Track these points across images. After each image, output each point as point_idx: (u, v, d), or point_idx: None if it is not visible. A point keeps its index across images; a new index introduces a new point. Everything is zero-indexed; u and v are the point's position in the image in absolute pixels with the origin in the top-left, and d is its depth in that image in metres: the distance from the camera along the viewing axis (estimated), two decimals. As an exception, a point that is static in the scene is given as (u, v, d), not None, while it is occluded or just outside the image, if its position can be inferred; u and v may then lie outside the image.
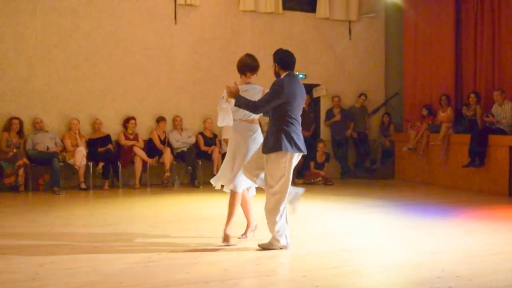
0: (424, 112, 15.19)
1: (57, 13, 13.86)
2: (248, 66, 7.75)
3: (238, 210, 7.60)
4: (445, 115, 14.43)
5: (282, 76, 7.24)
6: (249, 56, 7.92)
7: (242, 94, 7.21)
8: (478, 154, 13.03)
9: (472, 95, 13.71)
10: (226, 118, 7.40)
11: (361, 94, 16.60)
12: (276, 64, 7.40)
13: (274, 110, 7.07)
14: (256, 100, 7.14)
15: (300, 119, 7.17)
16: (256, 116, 7.52)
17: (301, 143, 7.06)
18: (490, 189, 12.92)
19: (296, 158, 7.14)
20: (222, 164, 7.65)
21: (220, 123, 7.51)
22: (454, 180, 14.05)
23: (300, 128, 7.15)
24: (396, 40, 17.00)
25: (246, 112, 7.36)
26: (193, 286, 5.44)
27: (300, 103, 7.17)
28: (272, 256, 6.66)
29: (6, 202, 11.37)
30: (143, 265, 6.16)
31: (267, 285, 5.54)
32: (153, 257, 6.53)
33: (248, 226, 7.86)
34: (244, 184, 7.50)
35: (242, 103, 7.05)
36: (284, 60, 7.37)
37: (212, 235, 7.89)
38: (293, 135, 6.99)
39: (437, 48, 15.45)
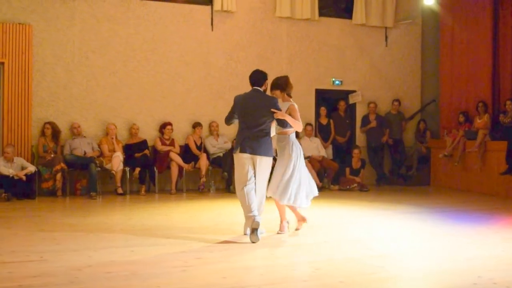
0: (461, 118, 15.08)
1: (95, 20, 14.02)
2: (279, 85, 8.68)
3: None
4: (482, 121, 14.31)
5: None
6: (280, 77, 8.83)
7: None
8: (515, 162, 12.92)
9: (508, 102, 13.59)
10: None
11: (394, 100, 16.53)
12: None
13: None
14: None
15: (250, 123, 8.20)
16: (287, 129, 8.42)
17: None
18: (528, 197, 12.81)
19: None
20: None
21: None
22: (491, 188, 13.92)
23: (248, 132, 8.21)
24: (433, 46, 16.89)
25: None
26: (229, 291, 5.47)
27: (250, 113, 8.19)
28: (308, 261, 6.67)
29: (44, 207, 11.50)
30: (180, 269, 6.19)
31: (303, 290, 5.56)
32: (190, 262, 6.57)
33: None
34: None
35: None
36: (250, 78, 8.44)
37: (248, 240, 7.92)
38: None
39: (474, 54, 15.33)
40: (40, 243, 7.62)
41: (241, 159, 8.17)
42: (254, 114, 8.19)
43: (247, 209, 8.05)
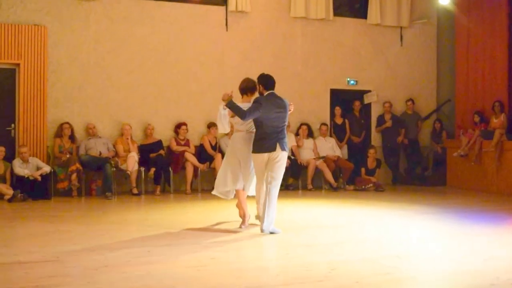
0: (476, 118, 14.99)
1: (110, 21, 14.05)
2: (249, 88, 9.20)
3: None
4: (498, 121, 14.24)
5: (269, 93, 8.82)
6: (249, 80, 9.32)
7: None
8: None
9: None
10: (225, 125, 9.26)
11: (408, 100, 16.47)
12: (261, 85, 8.93)
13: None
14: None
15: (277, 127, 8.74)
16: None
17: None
18: (545, 197, 12.72)
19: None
20: (226, 170, 9.20)
21: (220, 131, 9.55)
22: (508, 187, 13.84)
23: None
24: (448, 46, 16.81)
25: (252, 125, 8.88)
26: (245, 291, 5.46)
27: (275, 116, 8.71)
28: (324, 262, 6.63)
29: (60, 207, 11.55)
30: (195, 269, 6.19)
31: (319, 291, 5.54)
32: (205, 262, 6.56)
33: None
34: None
35: (234, 108, 8.53)
36: (266, 82, 8.92)
37: (263, 240, 7.93)
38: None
39: (490, 54, 15.25)
40: (56, 243, 7.64)
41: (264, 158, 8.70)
42: (277, 117, 8.72)
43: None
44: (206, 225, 9.25)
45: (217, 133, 14.42)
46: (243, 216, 9.12)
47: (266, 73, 9.09)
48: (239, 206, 9.19)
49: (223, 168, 9.25)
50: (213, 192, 9.43)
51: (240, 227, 9.00)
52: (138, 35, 14.30)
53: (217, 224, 9.47)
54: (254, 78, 9.43)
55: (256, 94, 9.07)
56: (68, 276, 5.89)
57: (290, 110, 8.95)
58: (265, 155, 8.60)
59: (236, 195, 9.21)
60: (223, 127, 9.36)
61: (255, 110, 8.53)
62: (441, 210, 11.30)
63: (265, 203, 8.51)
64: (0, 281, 5.66)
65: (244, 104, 8.93)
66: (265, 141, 8.63)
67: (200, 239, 8.03)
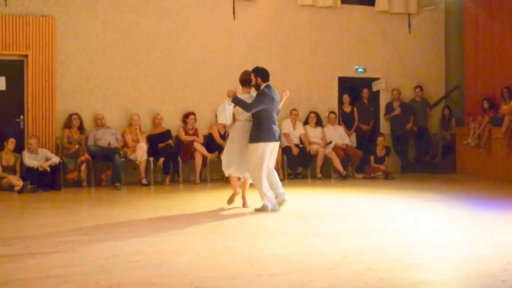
0: (485, 105, 14.93)
1: (118, 11, 14.04)
2: (248, 80, 9.69)
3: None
4: (507, 107, 14.17)
5: (266, 85, 9.47)
6: (248, 72, 9.75)
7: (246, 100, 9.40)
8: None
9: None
10: (228, 117, 9.60)
11: (416, 87, 16.41)
12: (259, 78, 9.52)
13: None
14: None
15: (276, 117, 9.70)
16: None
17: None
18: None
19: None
20: (229, 153, 9.73)
21: (220, 121, 9.81)
22: (517, 174, 13.81)
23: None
24: (457, 32, 16.73)
25: (250, 115, 9.47)
26: (257, 279, 5.44)
27: (276, 106, 9.60)
28: (335, 250, 6.63)
29: (69, 198, 11.59)
30: (208, 258, 6.19)
31: (331, 278, 5.51)
32: (217, 250, 6.56)
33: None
34: None
35: (240, 103, 9.23)
36: (263, 74, 9.55)
37: (275, 228, 7.96)
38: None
39: (498, 40, 15.19)
40: (67, 233, 7.64)
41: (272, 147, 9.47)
42: (277, 107, 9.66)
43: (275, 186, 9.57)
44: (217, 215, 9.25)
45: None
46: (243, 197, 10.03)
47: (260, 66, 9.77)
48: (243, 187, 10.02)
49: (225, 153, 9.88)
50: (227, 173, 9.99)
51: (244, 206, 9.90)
52: (146, 25, 14.28)
53: (227, 210, 9.63)
54: (262, 65, 9.58)
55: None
56: (80, 265, 5.89)
57: (286, 95, 9.92)
58: (277, 143, 9.53)
59: (233, 180, 10.03)
60: (225, 119, 9.68)
61: (259, 102, 9.27)
62: (451, 197, 11.29)
63: (277, 181, 9.61)
64: (12, 271, 5.66)
65: (244, 95, 9.57)
66: (274, 130, 9.45)
67: (212, 228, 8.06)
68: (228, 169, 9.76)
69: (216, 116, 14.16)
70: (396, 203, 10.56)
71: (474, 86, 16.04)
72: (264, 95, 9.31)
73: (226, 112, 9.53)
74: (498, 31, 15.21)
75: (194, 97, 14.61)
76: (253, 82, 9.59)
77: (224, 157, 9.86)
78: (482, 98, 15.28)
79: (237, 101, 9.21)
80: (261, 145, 9.25)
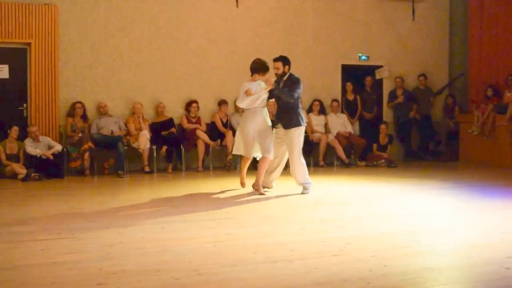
0: (489, 92, 14.88)
1: (120, -1, 14.02)
2: (262, 68, 9.94)
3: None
4: (511, 95, 14.14)
5: (290, 73, 9.95)
6: (262, 61, 10.06)
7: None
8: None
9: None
10: (251, 103, 9.79)
11: (420, 75, 16.36)
12: (287, 66, 9.95)
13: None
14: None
15: None
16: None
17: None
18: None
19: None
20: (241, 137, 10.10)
21: (244, 106, 9.96)
22: (521, 162, 13.79)
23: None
24: (461, 20, 16.68)
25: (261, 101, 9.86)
26: (260, 266, 5.43)
27: None
28: (339, 237, 6.63)
29: (73, 186, 11.58)
30: (211, 245, 6.18)
31: (334, 264, 5.50)
32: (221, 237, 6.56)
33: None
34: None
35: (283, 93, 9.66)
36: (289, 62, 10.00)
37: (279, 216, 7.96)
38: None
39: (503, 27, 15.14)
40: (71, 221, 7.64)
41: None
42: None
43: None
44: (220, 202, 9.26)
45: (228, 110, 14.42)
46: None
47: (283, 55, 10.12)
48: (259, 173, 10.01)
49: (237, 139, 10.27)
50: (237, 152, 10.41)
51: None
52: (148, 12, 14.24)
53: (231, 196, 9.64)
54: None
55: (268, 75, 9.94)
56: (85, 252, 5.90)
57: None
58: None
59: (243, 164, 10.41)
60: (247, 104, 9.88)
61: (299, 89, 9.80)
62: (455, 185, 11.28)
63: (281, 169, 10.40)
64: (17, 258, 5.67)
65: (252, 83, 9.90)
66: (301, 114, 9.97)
67: (215, 215, 8.05)
68: (238, 151, 10.21)
69: (219, 104, 14.35)
70: (400, 191, 10.57)
71: (478, 74, 15.98)
72: (300, 82, 9.83)
73: (259, 99, 9.81)
74: (502, 18, 15.16)
75: (196, 85, 14.58)
76: (280, 71, 9.87)
77: (237, 140, 10.23)
78: (486, 85, 15.22)
79: (280, 92, 9.66)
80: (303, 128, 9.94)
